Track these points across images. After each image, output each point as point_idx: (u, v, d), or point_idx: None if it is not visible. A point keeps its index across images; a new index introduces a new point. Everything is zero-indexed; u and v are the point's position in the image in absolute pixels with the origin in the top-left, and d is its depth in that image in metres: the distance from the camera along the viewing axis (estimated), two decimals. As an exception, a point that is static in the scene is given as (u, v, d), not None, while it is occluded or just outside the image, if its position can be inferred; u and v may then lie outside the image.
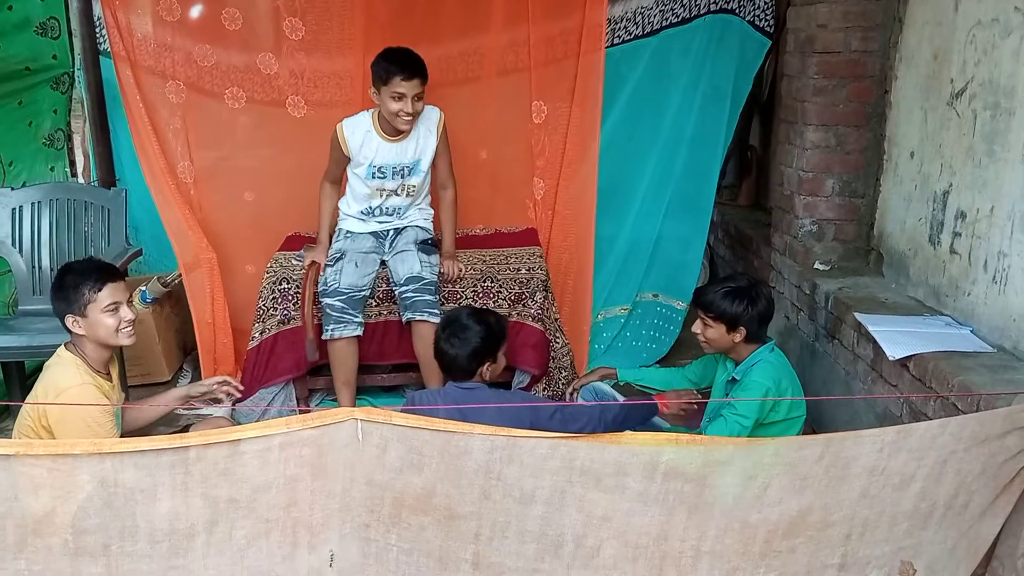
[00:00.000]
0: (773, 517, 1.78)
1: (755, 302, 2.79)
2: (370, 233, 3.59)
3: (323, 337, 3.41)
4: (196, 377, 3.95)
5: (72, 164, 4.42)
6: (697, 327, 2.92)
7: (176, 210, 3.84)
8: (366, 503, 1.73)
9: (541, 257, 3.77)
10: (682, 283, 4.18)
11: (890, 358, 2.77)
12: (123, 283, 2.74)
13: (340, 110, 3.65)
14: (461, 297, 3.56)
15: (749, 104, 4.52)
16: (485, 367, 2.77)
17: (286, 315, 3.53)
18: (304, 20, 3.83)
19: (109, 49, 3.81)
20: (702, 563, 1.81)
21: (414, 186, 3.55)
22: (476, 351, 2.73)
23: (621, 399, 3.35)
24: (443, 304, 3.50)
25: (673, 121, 4.07)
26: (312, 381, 3.73)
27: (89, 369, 2.65)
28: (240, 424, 3.15)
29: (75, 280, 2.63)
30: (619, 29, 4.01)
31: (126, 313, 2.68)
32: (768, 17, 4.04)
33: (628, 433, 1.72)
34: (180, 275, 3.91)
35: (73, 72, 4.28)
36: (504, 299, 3.56)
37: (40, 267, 3.68)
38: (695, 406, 3.05)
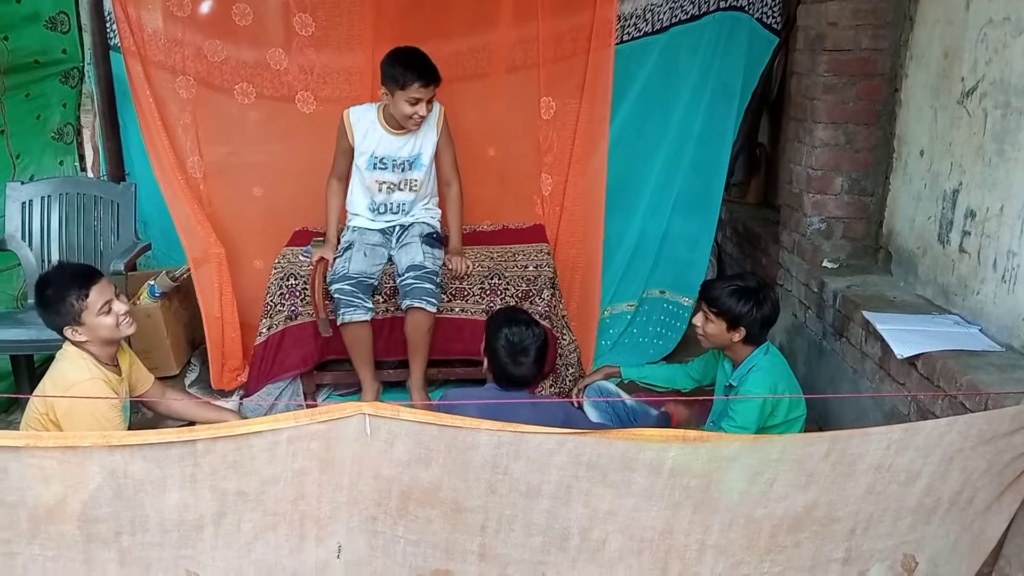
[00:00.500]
0: (778, 512, 1.79)
1: (761, 305, 2.78)
2: (378, 230, 3.60)
3: (337, 321, 3.41)
4: (204, 371, 3.96)
5: (81, 159, 4.44)
6: (698, 320, 2.92)
7: (185, 205, 3.86)
8: (373, 496, 1.74)
9: (549, 254, 3.77)
10: (689, 280, 4.18)
11: (898, 356, 2.76)
12: (105, 279, 2.72)
13: (349, 106, 3.66)
14: (468, 294, 3.56)
15: (758, 102, 4.51)
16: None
17: (294, 311, 3.54)
18: (314, 16, 3.84)
19: (119, 44, 3.81)
20: (707, 556, 1.82)
21: (416, 180, 3.55)
22: (539, 371, 2.72)
23: (626, 397, 3.37)
24: (450, 300, 3.51)
25: (682, 118, 4.07)
26: (319, 376, 3.74)
27: (97, 363, 2.67)
28: (247, 419, 3.17)
29: (58, 293, 2.62)
30: (628, 26, 4.01)
31: (119, 307, 2.68)
32: (776, 14, 4.04)
33: (635, 429, 1.72)
34: (189, 270, 3.93)
35: (83, 67, 4.30)
36: (511, 296, 3.57)
37: (50, 261, 3.70)
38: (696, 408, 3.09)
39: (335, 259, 3.47)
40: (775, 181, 4.78)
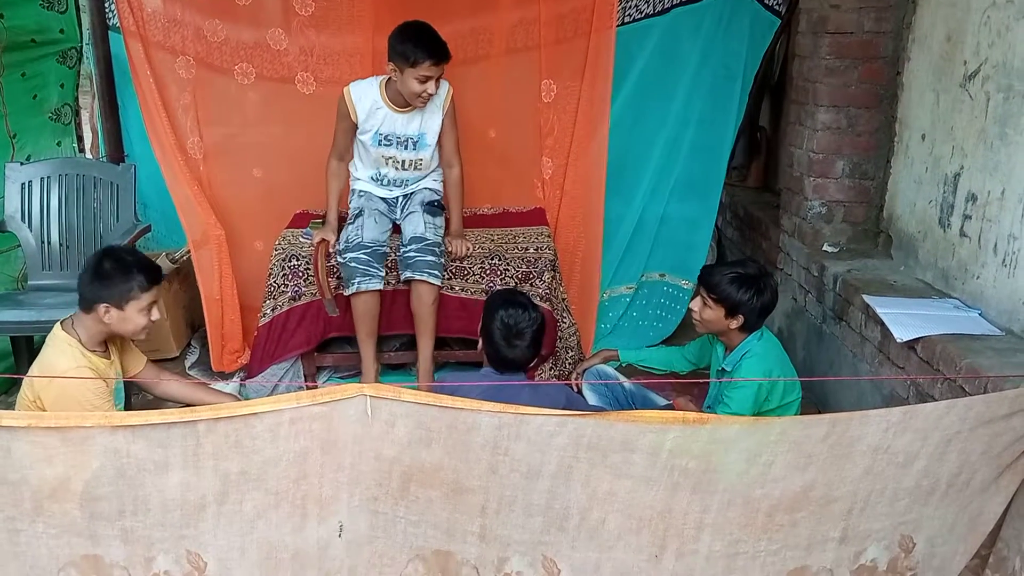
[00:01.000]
0: (776, 493, 1.80)
1: (761, 293, 2.77)
2: (382, 198, 3.61)
3: (347, 293, 3.39)
4: (204, 354, 3.97)
5: (80, 140, 4.42)
6: (695, 304, 2.90)
7: (185, 186, 3.85)
8: (375, 476, 1.75)
9: (549, 237, 3.77)
10: (690, 263, 4.18)
11: (898, 340, 2.77)
12: (161, 286, 2.76)
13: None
14: (469, 273, 3.56)
15: (760, 85, 4.49)
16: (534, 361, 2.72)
17: (297, 291, 3.55)
18: (314, -4, 3.82)
19: (118, 24, 3.80)
20: (704, 535, 1.83)
21: (422, 160, 3.53)
22: (534, 355, 2.68)
23: (625, 380, 3.38)
24: (450, 279, 3.51)
25: (683, 101, 4.06)
26: (320, 359, 3.75)
27: (84, 350, 2.65)
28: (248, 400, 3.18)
29: (123, 272, 2.62)
30: (630, 8, 3.99)
31: (156, 314, 2.72)
32: (777, -4, 4.03)
33: (635, 411, 1.73)
34: (188, 251, 3.93)
35: (81, 47, 4.27)
36: (512, 278, 3.57)
37: (49, 242, 3.69)
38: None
39: (347, 226, 3.46)
40: (776, 165, 4.77)
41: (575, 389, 3.47)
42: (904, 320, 2.81)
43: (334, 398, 1.66)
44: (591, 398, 3.34)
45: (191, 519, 1.71)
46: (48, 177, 3.72)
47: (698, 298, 2.89)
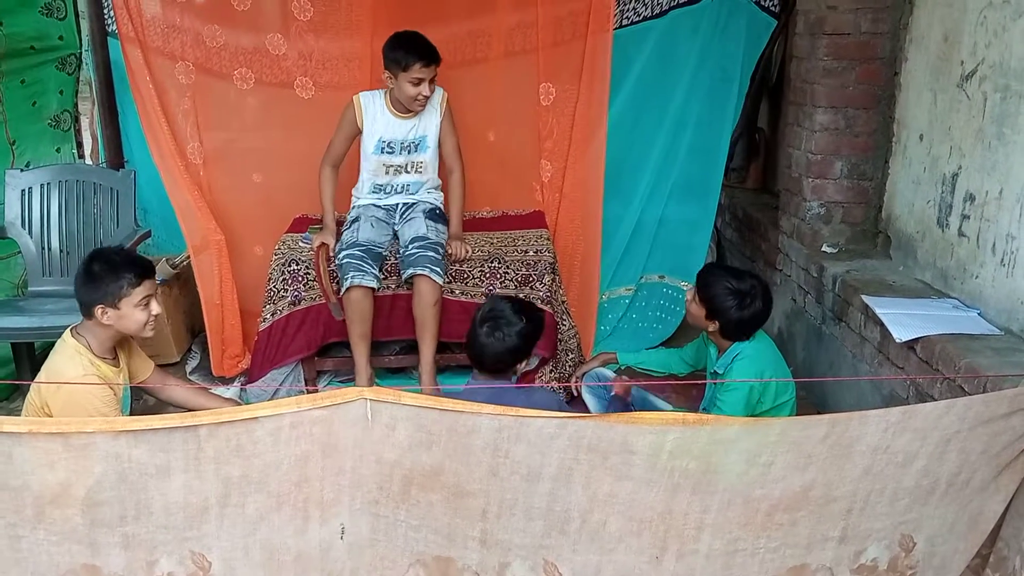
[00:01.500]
0: (776, 493, 1.81)
1: (741, 309, 2.79)
2: (382, 207, 3.65)
3: (341, 292, 3.39)
4: (204, 359, 3.97)
5: (80, 146, 4.43)
6: (689, 294, 2.98)
7: (185, 192, 3.85)
8: (376, 480, 1.75)
9: (548, 240, 3.77)
10: (689, 265, 4.18)
11: (897, 340, 2.77)
12: (154, 279, 2.76)
13: (348, 92, 3.65)
14: (468, 277, 3.57)
15: (758, 86, 4.50)
16: (521, 364, 2.64)
17: (297, 295, 3.55)
18: (312, 1, 3.82)
19: (117, 30, 3.80)
20: (704, 535, 1.84)
21: (423, 163, 3.61)
22: (517, 348, 2.58)
23: (624, 382, 3.38)
24: (450, 282, 3.52)
25: (680, 102, 4.07)
26: (320, 363, 3.75)
27: (93, 357, 2.66)
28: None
29: (111, 271, 2.62)
30: (627, 10, 4.01)
31: (155, 308, 2.70)
32: (774, -3, 4.04)
33: (635, 413, 1.74)
34: (188, 257, 3.93)
35: (80, 53, 4.28)
36: (511, 280, 3.57)
37: (49, 248, 3.70)
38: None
39: (343, 231, 3.51)
40: (774, 166, 4.77)
41: (575, 393, 3.48)
42: (903, 320, 2.82)
43: (334, 402, 1.66)
44: (590, 401, 3.34)
45: (194, 521, 1.72)
46: (48, 183, 3.73)
47: (692, 288, 2.96)
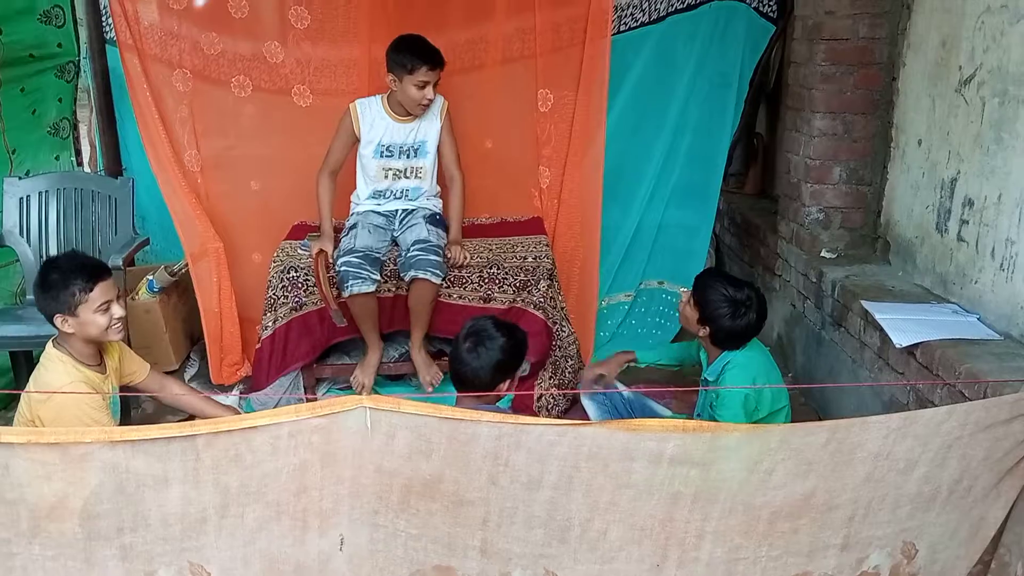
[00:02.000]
0: (777, 500, 1.80)
1: (735, 318, 2.75)
2: (382, 213, 3.65)
3: (343, 297, 3.40)
4: (203, 366, 3.96)
5: (78, 153, 4.42)
6: (684, 296, 2.97)
7: (183, 199, 3.85)
8: (375, 489, 1.74)
9: (547, 246, 3.77)
10: (688, 271, 4.15)
11: (897, 346, 2.77)
12: (112, 279, 2.68)
13: (346, 99, 3.65)
14: (467, 282, 3.56)
15: (756, 92, 4.51)
16: (505, 384, 2.59)
17: (297, 302, 3.55)
18: (310, 8, 3.82)
19: (115, 38, 3.80)
20: (705, 543, 1.83)
21: (422, 168, 3.62)
22: (500, 364, 2.54)
23: (624, 389, 3.37)
24: (448, 287, 3.52)
25: (679, 108, 4.08)
26: (319, 370, 3.74)
27: (78, 364, 2.63)
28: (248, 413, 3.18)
29: (63, 279, 2.56)
30: (625, 16, 4.01)
31: (117, 311, 2.62)
32: (772, 3, 4.05)
33: (635, 420, 1.73)
34: (187, 264, 3.92)
35: (79, 61, 4.28)
36: (509, 286, 3.57)
37: (48, 257, 3.68)
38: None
39: (341, 238, 3.52)
40: (773, 171, 4.77)
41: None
42: (903, 325, 2.81)
43: (333, 410, 1.65)
44: (590, 408, 3.32)
45: (192, 532, 1.71)
46: (46, 191, 3.72)
47: (688, 291, 2.95)
